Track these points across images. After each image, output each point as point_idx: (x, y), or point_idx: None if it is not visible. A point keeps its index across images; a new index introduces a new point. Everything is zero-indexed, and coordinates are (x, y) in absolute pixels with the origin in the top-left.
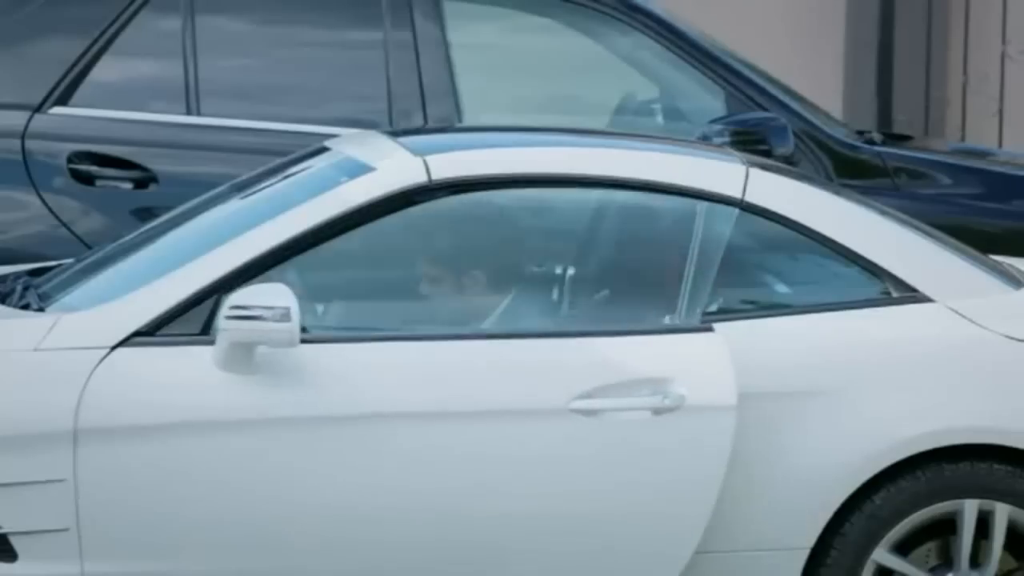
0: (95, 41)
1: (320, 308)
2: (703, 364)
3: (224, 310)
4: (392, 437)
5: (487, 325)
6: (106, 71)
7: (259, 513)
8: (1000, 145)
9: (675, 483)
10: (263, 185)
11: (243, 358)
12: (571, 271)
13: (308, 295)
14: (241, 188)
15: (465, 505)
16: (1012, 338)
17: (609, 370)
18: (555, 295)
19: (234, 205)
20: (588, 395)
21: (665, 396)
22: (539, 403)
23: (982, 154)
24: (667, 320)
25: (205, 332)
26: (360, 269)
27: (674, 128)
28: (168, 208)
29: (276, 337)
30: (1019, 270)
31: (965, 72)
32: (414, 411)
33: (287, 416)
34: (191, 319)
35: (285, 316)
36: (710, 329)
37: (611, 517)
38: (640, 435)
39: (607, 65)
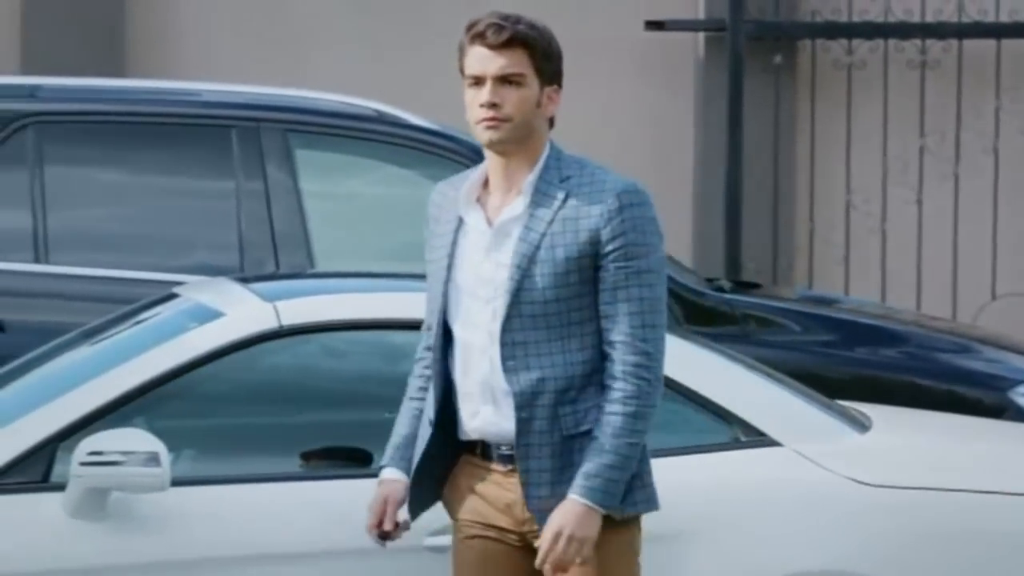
0: None
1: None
2: None
3: (78, 455)
4: None
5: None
6: None
7: None
8: (846, 292)
9: None
10: (112, 332)
11: (96, 504)
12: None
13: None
14: (90, 335)
15: None
16: (857, 481)
17: None
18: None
19: (83, 352)
20: (442, 532)
21: None
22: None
23: (828, 301)
24: None
25: (46, 480)
26: (207, 414)
27: None
28: (16, 356)
29: (142, 483)
30: (864, 414)
31: (812, 220)
32: (247, 554)
33: (146, 562)
34: (36, 467)
35: (152, 461)
36: None
37: None
38: None
39: None
